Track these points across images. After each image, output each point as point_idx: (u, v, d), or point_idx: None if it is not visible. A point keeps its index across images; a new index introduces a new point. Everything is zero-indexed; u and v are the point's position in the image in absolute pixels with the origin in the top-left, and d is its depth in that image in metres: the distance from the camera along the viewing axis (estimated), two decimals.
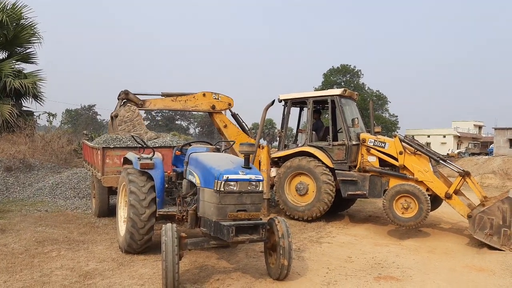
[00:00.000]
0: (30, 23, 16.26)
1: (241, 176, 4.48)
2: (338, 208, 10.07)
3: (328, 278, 5.07)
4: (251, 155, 4.78)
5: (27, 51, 16.66)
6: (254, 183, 4.55)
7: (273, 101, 9.50)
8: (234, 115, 10.45)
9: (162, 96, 9.65)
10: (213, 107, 9.84)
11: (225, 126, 10.08)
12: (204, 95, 9.81)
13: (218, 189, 4.38)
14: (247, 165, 4.63)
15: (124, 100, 9.24)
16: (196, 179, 4.91)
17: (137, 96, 9.35)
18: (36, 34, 16.42)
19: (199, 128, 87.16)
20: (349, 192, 8.50)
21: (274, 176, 9.45)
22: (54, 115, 17.17)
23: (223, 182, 4.36)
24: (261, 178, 4.64)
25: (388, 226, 8.40)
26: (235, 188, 4.43)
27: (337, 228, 8.29)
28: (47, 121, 17.16)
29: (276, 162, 9.74)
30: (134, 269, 5.10)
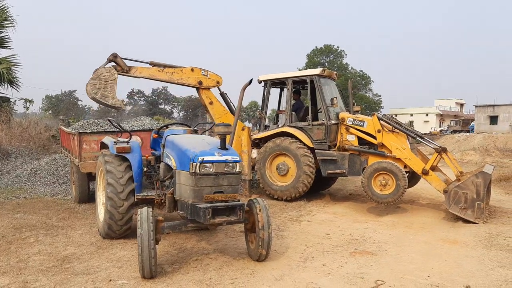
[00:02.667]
0: (2, 7, 15.72)
1: (217, 157, 4.46)
2: (319, 187, 10.20)
3: (305, 254, 5.16)
4: (227, 136, 4.75)
5: (0, 35, 16.14)
6: (230, 164, 4.52)
7: (251, 80, 9.39)
8: (223, 95, 10.24)
9: (150, 65, 9.34)
10: (200, 82, 9.64)
11: (211, 103, 9.91)
12: (192, 70, 9.58)
13: (193, 171, 4.35)
14: (223, 146, 4.59)
15: (111, 62, 8.91)
16: (172, 162, 4.88)
17: (124, 61, 9.03)
18: (9, 18, 15.90)
19: (183, 112, 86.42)
20: (329, 171, 8.61)
21: (255, 158, 9.50)
22: (31, 101, 16.76)
23: (199, 164, 4.34)
24: (238, 159, 4.61)
25: (368, 203, 8.56)
26: (211, 170, 4.40)
27: (318, 207, 8.40)
28: (24, 107, 16.77)
29: (257, 144, 9.77)
30: (112, 252, 5.11)
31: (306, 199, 8.93)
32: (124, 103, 8.99)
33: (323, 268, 4.67)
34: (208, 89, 9.85)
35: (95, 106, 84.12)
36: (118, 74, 8.72)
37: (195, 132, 5.93)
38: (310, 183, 8.66)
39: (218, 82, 9.85)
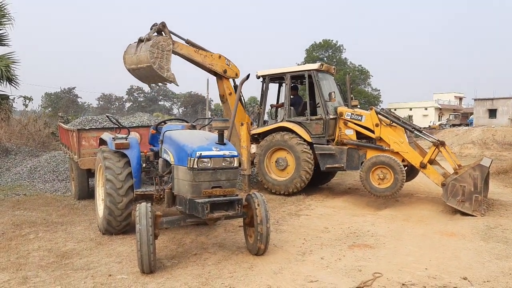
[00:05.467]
0: (0, 4, 15.65)
1: (214, 152, 4.48)
2: (319, 182, 10.24)
3: (303, 248, 5.20)
4: (225, 131, 4.78)
5: None
6: (228, 159, 4.54)
7: (248, 76, 9.38)
8: (236, 87, 10.14)
9: (186, 43, 8.96)
10: (225, 71, 9.51)
11: (230, 94, 9.81)
12: (219, 57, 9.41)
13: (191, 166, 4.37)
14: (221, 141, 4.61)
15: (159, 31, 8.24)
16: (170, 157, 4.90)
17: (171, 34, 8.45)
18: (7, 15, 15.84)
19: (182, 108, 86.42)
20: (328, 166, 8.64)
21: (255, 153, 9.53)
22: (30, 99, 16.74)
23: (196, 159, 4.36)
24: (236, 154, 4.63)
25: (367, 197, 8.58)
26: (209, 165, 4.42)
27: (317, 201, 8.43)
28: (23, 104, 16.75)
29: (256, 139, 9.79)
30: (112, 248, 5.14)
31: (305, 193, 8.97)
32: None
33: (321, 261, 4.70)
34: (228, 79, 9.72)
35: (94, 103, 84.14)
36: None
37: (193, 127, 5.94)
38: (301, 187, 8.79)
39: (236, 74, 9.73)
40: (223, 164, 4.50)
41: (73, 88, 76.24)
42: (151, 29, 8.23)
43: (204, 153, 4.40)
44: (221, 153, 4.49)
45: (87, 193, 8.24)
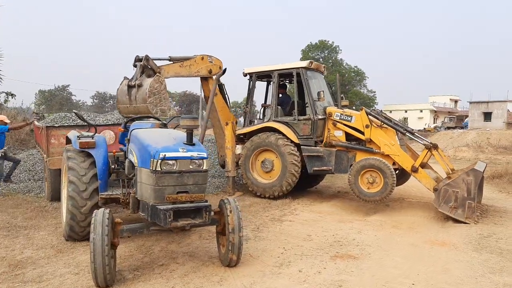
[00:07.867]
0: None
1: (181, 153, 4.01)
2: (307, 185, 9.84)
3: (281, 259, 4.76)
4: (194, 130, 4.33)
5: None
6: (196, 161, 4.08)
7: (225, 70, 8.84)
8: (220, 85, 9.57)
9: (170, 61, 8.27)
10: (210, 71, 8.96)
11: (216, 95, 9.31)
12: (202, 58, 8.84)
13: (154, 169, 3.92)
14: (189, 141, 4.17)
15: (144, 68, 7.46)
16: (134, 158, 4.46)
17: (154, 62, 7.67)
18: None
19: (177, 108, 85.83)
20: (315, 168, 8.23)
21: (240, 154, 9.09)
22: (12, 95, 16.20)
23: (160, 160, 3.90)
24: (205, 156, 4.17)
25: (356, 201, 8.18)
26: (174, 167, 3.96)
27: (303, 205, 8.01)
28: (5, 101, 16.20)
29: (242, 139, 9.36)
30: (72, 257, 4.70)
31: (292, 196, 8.55)
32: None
33: (298, 274, 4.27)
34: (212, 77, 9.16)
35: (88, 101, 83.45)
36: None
37: (164, 126, 5.50)
38: (279, 195, 8.41)
39: (220, 68, 9.19)
40: (191, 166, 4.04)
41: (67, 85, 75.44)
42: (134, 66, 7.45)
43: (169, 154, 3.95)
44: (188, 154, 4.04)
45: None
